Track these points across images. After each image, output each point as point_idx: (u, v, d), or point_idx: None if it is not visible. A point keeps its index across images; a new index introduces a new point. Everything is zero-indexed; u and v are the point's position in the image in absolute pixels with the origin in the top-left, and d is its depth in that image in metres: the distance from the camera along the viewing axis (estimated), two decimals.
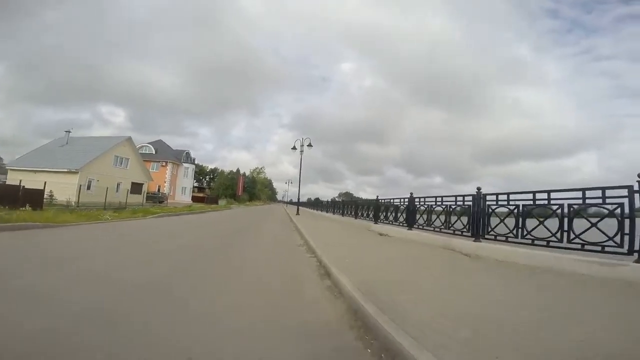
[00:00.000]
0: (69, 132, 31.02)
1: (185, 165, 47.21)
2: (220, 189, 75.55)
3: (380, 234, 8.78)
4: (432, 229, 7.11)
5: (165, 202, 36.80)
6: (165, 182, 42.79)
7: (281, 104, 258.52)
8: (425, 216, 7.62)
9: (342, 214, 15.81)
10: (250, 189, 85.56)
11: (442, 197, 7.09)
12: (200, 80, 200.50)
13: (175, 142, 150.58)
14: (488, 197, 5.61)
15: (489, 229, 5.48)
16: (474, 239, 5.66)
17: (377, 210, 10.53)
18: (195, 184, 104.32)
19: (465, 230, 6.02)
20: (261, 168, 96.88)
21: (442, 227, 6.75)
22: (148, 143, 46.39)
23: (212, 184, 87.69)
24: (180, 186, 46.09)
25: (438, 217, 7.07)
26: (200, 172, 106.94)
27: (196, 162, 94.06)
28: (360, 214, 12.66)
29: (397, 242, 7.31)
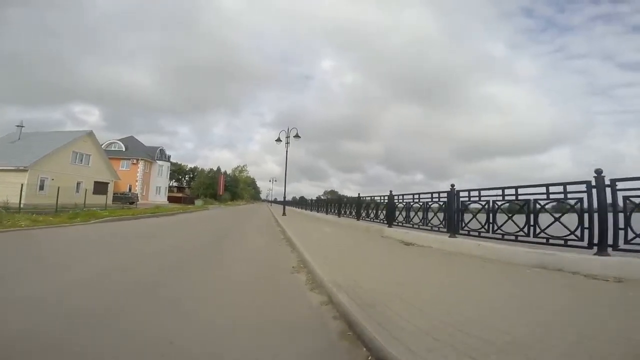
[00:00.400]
0: (21, 126, 27.57)
1: (160, 163, 44.06)
2: (200, 188, 72.27)
3: (405, 243, 6.60)
4: (500, 236, 5.03)
5: (136, 203, 33.85)
6: (136, 181, 39.62)
7: (263, 102, 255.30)
8: (484, 218, 5.34)
9: (339, 214, 14.14)
10: (232, 188, 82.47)
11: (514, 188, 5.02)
12: (179, 78, 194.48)
13: (152, 141, 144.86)
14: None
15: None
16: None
17: (391, 209, 8.54)
18: (175, 184, 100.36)
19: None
20: (243, 166, 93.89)
21: (524, 235, 4.67)
22: (117, 140, 42.98)
23: (192, 183, 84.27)
24: (154, 185, 42.94)
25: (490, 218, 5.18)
26: (179, 171, 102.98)
27: (174, 161, 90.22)
28: (365, 215, 10.75)
29: (451, 258, 4.97)
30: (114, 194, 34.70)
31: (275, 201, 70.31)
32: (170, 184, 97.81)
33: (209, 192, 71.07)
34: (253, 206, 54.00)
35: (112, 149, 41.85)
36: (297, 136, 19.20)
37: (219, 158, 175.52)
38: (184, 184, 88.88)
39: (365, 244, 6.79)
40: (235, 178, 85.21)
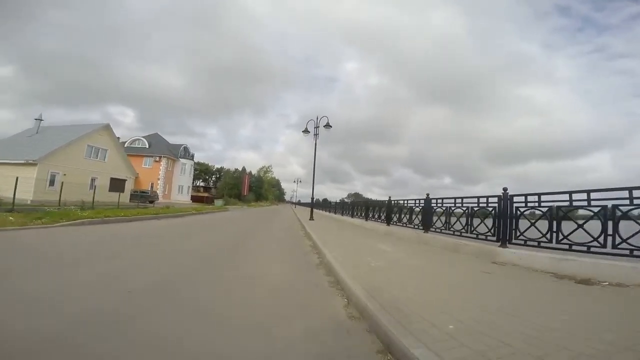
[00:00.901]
0: (40, 120, 26.42)
1: (183, 161, 42.40)
2: (225, 188, 71.10)
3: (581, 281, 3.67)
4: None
5: (155, 201, 32.00)
6: (158, 179, 38.06)
7: (288, 104, 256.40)
8: None
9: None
10: (257, 189, 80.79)
11: None
12: (206, 79, 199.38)
13: (182, 142, 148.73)
14: None
15: None
16: None
17: (508, 219, 5.27)
18: (202, 184, 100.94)
19: None
20: (268, 167, 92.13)
21: None
22: (141, 136, 41.85)
23: (217, 183, 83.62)
24: (177, 184, 41.28)
25: None
26: (205, 171, 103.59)
27: (202, 161, 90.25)
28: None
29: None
30: (133, 191, 33.17)
31: (299, 203, 67.33)
32: (197, 184, 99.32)
33: (234, 192, 69.67)
34: (277, 208, 51.26)
35: (136, 145, 40.78)
36: (327, 125, 15.72)
37: (245, 159, 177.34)
38: (211, 184, 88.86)
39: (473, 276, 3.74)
40: (259, 179, 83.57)
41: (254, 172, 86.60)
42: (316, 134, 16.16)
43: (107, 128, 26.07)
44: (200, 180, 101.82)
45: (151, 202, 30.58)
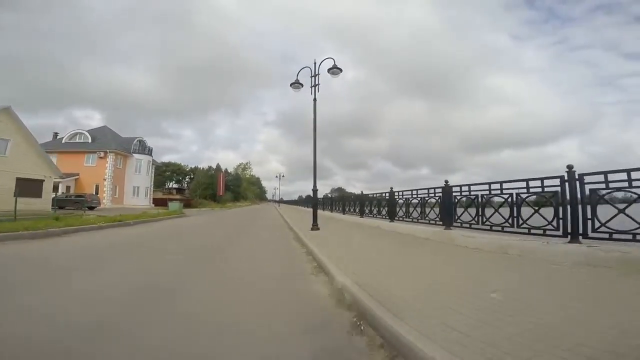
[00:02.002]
0: None
1: (137, 156, 34.69)
2: (199, 189, 63.31)
3: None
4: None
5: (98, 207, 24.66)
6: (104, 179, 30.43)
7: (265, 101, 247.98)
8: None
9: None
10: (235, 188, 73.28)
11: None
12: (179, 79, 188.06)
13: (158, 144, 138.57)
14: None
15: None
16: None
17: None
18: (175, 185, 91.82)
19: None
20: (247, 163, 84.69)
21: None
22: (84, 130, 33.83)
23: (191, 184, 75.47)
24: (131, 185, 33.67)
25: None
26: (178, 172, 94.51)
27: (176, 161, 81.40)
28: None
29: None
30: (66, 195, 25.60)
31: (282, 201, 60.71)
32: (170, 185, 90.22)
33: (208, 192, 62.08)
34: (258, 208, 44.37)
35: (76, 140, 32.83)
36: (335, 69, 9.52)
37: (223, 159, 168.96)
38: (185, 185, 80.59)
39: None
40: (237, 177, 75.98)
41: (231, 170, 79.03)
42: (315, 85, 9.90)
43: (6, 112, 18.50)
44: (174, 181, 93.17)
45: (91, 208, 23.33)
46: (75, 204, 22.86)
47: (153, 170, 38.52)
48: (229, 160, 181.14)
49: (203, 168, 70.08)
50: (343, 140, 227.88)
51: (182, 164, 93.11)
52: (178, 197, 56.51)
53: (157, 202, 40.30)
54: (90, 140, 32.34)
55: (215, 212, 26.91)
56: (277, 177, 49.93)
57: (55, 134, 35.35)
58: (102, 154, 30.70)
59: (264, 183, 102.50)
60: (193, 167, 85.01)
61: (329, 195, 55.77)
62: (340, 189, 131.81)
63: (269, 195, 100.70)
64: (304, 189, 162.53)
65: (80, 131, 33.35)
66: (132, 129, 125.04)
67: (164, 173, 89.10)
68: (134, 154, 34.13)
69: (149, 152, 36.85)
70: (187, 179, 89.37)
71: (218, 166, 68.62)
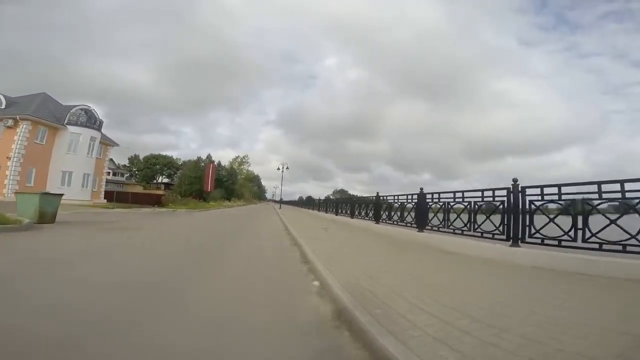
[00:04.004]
0: None
1: (73, 129, 24.91)
2: (184, 184, 53.71)
3: None
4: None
5: None
6: (8, 157, 20.69)
7: (266, 101, 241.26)
8: None
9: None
10: (229, 184, 63.32)
11: None
12: (180, 76, 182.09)
13: (159, 141, 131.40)
14: None
15: None
16: None
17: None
18: (166, 180, 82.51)
19: None
20: (244, 157, 74.89)
21: None
22: (1, 94, 24.15)
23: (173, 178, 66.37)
24: (59, 169, 23.93)
25: None
26: (169, 165, 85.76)
27: (166, 154, 72.40)
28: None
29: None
30: None
31: (282, 201, 50.54)
32: (160, 180, 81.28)
33: (195, 188, 52.32)
34: (253, 209, 34.19)
35: None
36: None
37: (223, 157, 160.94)
38: (175, 180, 71.46)
39: None
40: (232, 171, 66.08)
41: (227, 164, 69.35)
42: None
43: None
44: (164, 175, 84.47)
45: None
46: None
47: (102, 152, 28.70)
48: (229, 159, 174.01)
49: (191, 160, 60.18)
50: (344, 141, 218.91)
51: (175, 158, 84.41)
52: (161, 192, 46.98)
53: (120, 198, 30.63)
54: (3, 107, 22.67)
55: (176, 216, 16.87)
56: (279, 169, 39.87)
57: None
58: (10, 122, 20.96)
59: (263, 182, 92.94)
60: (186, 160, 75.64)
61: (331, 196, 46.86)
62: (342, 191, 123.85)
63: (268, 195, 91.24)
64: (304, 190, 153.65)
65: None
66: (133, 125, 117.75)
67: (154, 166, 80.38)
68: (68, 126, 24.36)
69: (96, 125, 27.06)
70: (178, 174, 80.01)
71: (209, 157, 58.74)
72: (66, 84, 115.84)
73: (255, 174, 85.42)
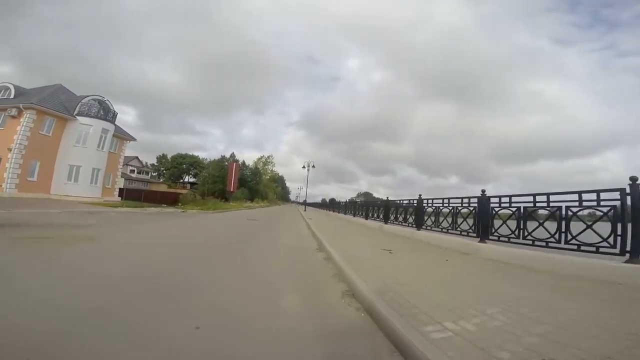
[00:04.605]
0: None
1: (83, 120, 23.06)
2: (207, 183, 52.15)
3: None
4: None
5: None
6: (9, 148, 18.93)
7: (289, 101, 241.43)
8: None
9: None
10: (253, 185, 61.14)
11: None
12: (206, 77, 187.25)
13: (187, 142, 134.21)
14: None
15: None
16: None
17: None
18: (192, 179, 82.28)
19: None
20: (268, 157, 72.57)
21: None
22: (12, 84, 22.82)
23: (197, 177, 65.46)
24: (66, 163, 22.07)
25: None
26: (195, 165, 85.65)
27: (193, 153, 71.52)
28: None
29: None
30: None
31: (306, 203, 47.12)
32: (187, 179, 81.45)
33: (218, 187, 50.48)
34: (276, 211, 30.64)
35: None
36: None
37: (248, 158, 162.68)
38: (200, 179, 70.91)
39: None
40: (256, 171, 63.90)
41: (251, 165, 67.41)
42: None
43: None
44: (190, 175, 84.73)
45: None
46: None
47: (118, 146, 26.86)
48: (253, 159, 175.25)
49: (215, 159, 58.57)
50: (367, 143, 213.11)
51: (202, 158, 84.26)
52: (184, 191, 45.50)
53: (131, 196, 28.85)
54: (12, 95, 21.22)
55: (184, 218, 14.00)
56: (304, 167, 36.59)
57: None
58: (14, 112, 19.24)
59: (287, 184, 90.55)
60: (212, 160, 74.75)
61: (356, 199, 42.90)
62: (367, 194, 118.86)
63: (292, 197, 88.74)
64: (327, 192, 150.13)
65: (5, 84, 22.38)
66: (163, 126, 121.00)
67: (180, 165, 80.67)
68: (77, 117, 22.52)
69: (110, 117, 25.21)
70: (204, 173, 79.51)
71: (232, 155, 56.81)
72: (95, 83, 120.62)
73: (280, 174, 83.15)
